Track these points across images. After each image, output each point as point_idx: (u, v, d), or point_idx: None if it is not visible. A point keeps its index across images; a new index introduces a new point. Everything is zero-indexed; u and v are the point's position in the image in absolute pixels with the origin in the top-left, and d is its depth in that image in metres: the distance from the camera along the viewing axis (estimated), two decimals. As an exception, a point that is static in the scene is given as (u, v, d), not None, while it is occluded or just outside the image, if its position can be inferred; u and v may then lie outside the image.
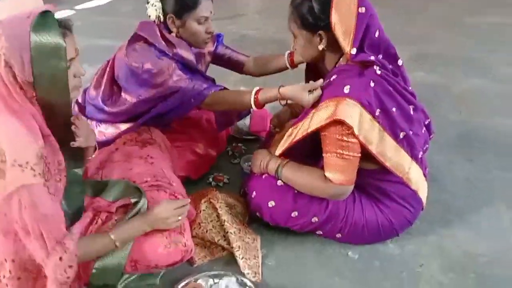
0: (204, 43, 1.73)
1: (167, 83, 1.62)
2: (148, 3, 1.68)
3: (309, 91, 1.40)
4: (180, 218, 1.31)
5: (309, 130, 1.36)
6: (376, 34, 1.35)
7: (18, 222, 1.02)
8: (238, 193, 1.77)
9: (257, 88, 1.58)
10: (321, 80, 1.41)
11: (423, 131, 1.55)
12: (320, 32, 1.36)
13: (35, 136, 1.03)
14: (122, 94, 1.71)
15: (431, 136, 1.66)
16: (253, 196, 1.54)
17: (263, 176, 1.54)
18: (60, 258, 1.05)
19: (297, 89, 1.45)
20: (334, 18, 1.31)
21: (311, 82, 1.42)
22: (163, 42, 1.64)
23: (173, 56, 1.64)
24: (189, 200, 1.38)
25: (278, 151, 1.53)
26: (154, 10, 1.66)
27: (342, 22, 1.31)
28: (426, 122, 1.61)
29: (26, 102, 1.04)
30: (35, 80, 1.02)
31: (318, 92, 1.39)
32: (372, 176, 1.47)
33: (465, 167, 2.03)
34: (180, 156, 1.82)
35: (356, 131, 1.28)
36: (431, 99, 2.63)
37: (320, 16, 1.33)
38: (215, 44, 1.95)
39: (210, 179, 1.93)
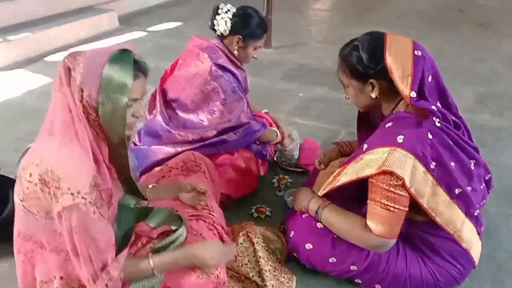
0: (246, 63, 2.01)
1: (235, 114, 1.88)
2: (218, 14, 1.83)
3: None
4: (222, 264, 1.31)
5: (356, 177, 1.31)
6: (430, 79, 1.29)
7: (68, 243, 1.08)
8: (278, 227, 1.75)
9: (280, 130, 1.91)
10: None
11: (482, 187, 1.45)
12: (371, 80, 1.33)
13: (89, 164, 1.08)
14: (184, 115, 1.91)
15: (489, 191, 1.54)
16: (291, 235, 1.51)
17: (303, 216, 1.51)
18: (106, 286, 1.09)
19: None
20: (390, 61, 1.27)
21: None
22: (234, 67, 1.91)
23: (242, 78, 1.95)
24: (236, 247, 1.40)
25: (321, 191, 1.49)
26: (223, 23, 1.83)
27: (399, 65, 1.27)
28: (486, 178, 1.50)
29: (86, 126, 1.10)
30: (99, 107, 1.09)
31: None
32: (421, 229, 1.39)
33: (524, 222, 1.87)
34: (220, 174, 1.85)
35: (407, 183, 1.22)
36: (494, 144, 2.47)
37: (369, 65, 1.31)
38: None
39: (253, 210, 1.93)
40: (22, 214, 1.13)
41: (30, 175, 1.07)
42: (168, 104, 1.96)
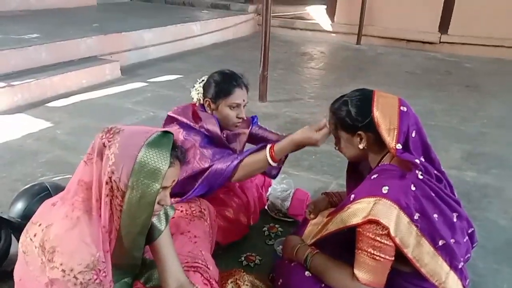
0: (234, 126, 1.89)
1: (191, 163, 1.73)
2: (193, 87, 1.91)
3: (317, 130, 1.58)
4: None
5: (343, 225, 1.36)
6: (413, 134, 1.38)
7: None
8: (267, 276, 1.76)
9: (270, 144, 1.70)
10: (324, 120, 1.58)
11: (465, 240, 1.49)
12: (359, 132, 1.42)
13: (96, 246, 1.02)
14: None
15: (473, 245, 1.58)
16: (279, 283, 1.52)
17: (292, 264, 1.53)
18: None
19: (306, 130, 1.62)
20: (377, 115, 1.37)
21: (317, 123, 1.62)
22: (191, 118, 1.83)
23: (199, 128, 1.80)
24: None
25: (311, 240, 1.52)
26: (196, 94, 1.90)
27: (386, 118, 1.36)
28: (469, 231, 1.54)
29: (107, 210, 1.05)
30: (127, 191, 1.03)
31: (325, 130, 1.58)
32: (406, 279, 1.41)
33: (512, 278, 1.88)
34: None
35: (392, 232, 1.27)
36: (480, 202, 2.52)
37: (357, 119, 1.41)
38: (251, 126, 2.10)
39: (242, 258, 1.93)
40: (23, 264, 1.10)
41: (35, 235, 1.05)
42: None
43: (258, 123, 2.15)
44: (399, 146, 1.34)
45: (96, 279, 1.01)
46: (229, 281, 1.59)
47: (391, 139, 1.34)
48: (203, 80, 1.91)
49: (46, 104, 3.92)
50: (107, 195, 1.04)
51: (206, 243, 1.64)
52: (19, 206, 1.86)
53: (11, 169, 2.71)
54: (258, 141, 2.11)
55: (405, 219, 1.29)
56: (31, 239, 1.05)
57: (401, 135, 1.35)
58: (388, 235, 1.27)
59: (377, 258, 1.29)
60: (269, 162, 1.68)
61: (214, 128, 1.82)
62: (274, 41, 4.19)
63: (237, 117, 1.84)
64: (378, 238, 1.28)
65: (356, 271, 1.33)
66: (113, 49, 5.18)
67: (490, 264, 1.97)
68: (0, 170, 2.69)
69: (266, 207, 2.30)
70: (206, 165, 1.73)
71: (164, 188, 1.10)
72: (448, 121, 3.94)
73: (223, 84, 1.82)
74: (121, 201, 1.04)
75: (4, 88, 3.74)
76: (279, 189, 2.30)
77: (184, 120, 1.82)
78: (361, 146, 1.43)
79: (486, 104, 4.53)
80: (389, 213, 1.27)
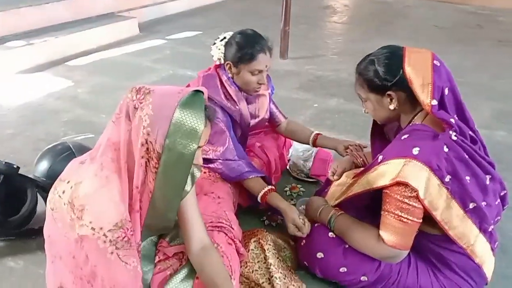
0: (253, 91, 1.83)
1: (216, 148, 1.74)
2: (214, 44, 1.81)
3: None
4: None
5: (370, 187, 1.32)
6: (446, 92, 1.29)
7: (82, 270, 1.05)
8: (289, 236, 1.75)
9: (270, 187, 1.69)
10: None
11: (496, 203, 1.43)
12: (389, 92, 1.34)
13: (124, 205, 1.03)
14: None
15: (504, 207, 1.52)
16: (302, 244, 1.51)
17: (315, 225, 1.52)
18: None
19: (293, 213, 1.56)
20: (409, 71, 1.28)
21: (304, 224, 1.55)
22: (222, 96, 1.78)
23: (234, 111, 1.80)
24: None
25: (335, 201, 1.49)
26: (217, 53, 1.80)
27: (419, 74, 1.27)
28: (502, 193, 1.48)
29: (141, 171, 1.04)
30: (164, 152, 1.02)
31: (307, 226, 1.53)
32: (433, 242, 1.38)
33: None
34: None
35: (421, 195, 1.22)
36: (510, 161, 2.43)
37: (386, 78, 1.32)
38: (269, 89, 2.04)
39: (264, 218, 1.93)
40: (51, 221, 1.11)
41: (63, 192, 1.05)
42: None
43: (272, 97, 2.10)
44: (434, 102, 1.25)
45: (124, 237, 1.03)
46: (252, 241, 1.59)
47: (425, 96, 1.26)
48: (224, 38, 1.81)
49: (66, 63, 3.91)
50: (142, 157, 1.03)
51: (230, 203, 1.64)
52: (43, 165, 1.88)
53: (34, 128, 2.73)
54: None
55: (435, 181, 1.23)
56: (59, 196, 1.05)
57: (435, 91, 1.26)
58: (417, 197, 1.23)
59: (404, 220, 1.25)
60: (257, 199, 1.72)
61: (246, 111, 1.85)
62: (295, -6, 4.00)
63: (258, 82, 1.78)
64: (406, 200, 1.24)
65: (382, 233, 1.30)
66: (130, 5, 5.08)
67: (518, 226, 1.91)
68: (23, 129, 2.72)
69: (287, 167, 2.27)
70: (230, 157, 1.75)
71: (198, 147, 1.08)
72: (477, 77, 3.76)
73: (246, 48, 1.71)
74: (156, 162, 1.03)
75: (24, 46, 3.73)
76: (301, 148, 2.26)
77: (218, 99, 1.77)
78: (391, 107, 1.36)
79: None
80: (419, 175, 1.22)
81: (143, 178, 1.05)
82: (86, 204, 1.01)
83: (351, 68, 1.43)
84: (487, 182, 1.35)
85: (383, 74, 1.32)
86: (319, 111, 3.08)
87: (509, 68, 4.06)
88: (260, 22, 5.38)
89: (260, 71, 1.75)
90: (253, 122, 1.96)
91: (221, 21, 5.45)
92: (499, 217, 1.49)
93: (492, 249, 1.43)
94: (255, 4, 6.57)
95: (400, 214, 1.26)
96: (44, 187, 1.79)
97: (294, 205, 1.93)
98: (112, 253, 1.02)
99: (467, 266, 1.38)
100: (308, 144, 2.03)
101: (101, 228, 1.00)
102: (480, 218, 1.34)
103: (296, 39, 4.26)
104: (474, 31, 5.32)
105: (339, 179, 1.70)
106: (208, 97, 1.74)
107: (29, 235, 1.76)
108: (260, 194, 1.70)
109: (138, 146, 1.02)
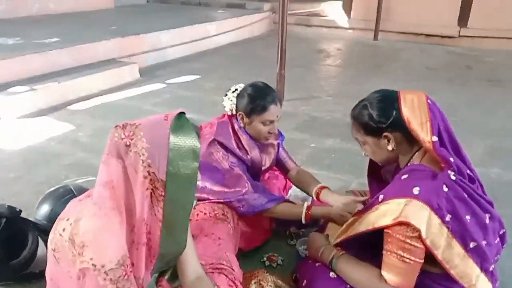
0: (264, 140, 1.92)
1: (235, 192, 1.80)
2: (226, 95, 1.89)
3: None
4: None
5: (371, 227, 1.34)
6: (441, 131, 1.34)
7: None
8: (290, 276, 1.75)
9: (308, 202, 1.75)
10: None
11: (496, 242, 1.45)
12: (385, 133, 1.39)
13: (124, 241, 1.04)
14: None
15: (503, 246, 1.54)
16: (303, 284, 1.50)
17: (316, 264, 1.52)
18: None
19: (341, 210, 1.69)
20: (406, 112, 1.33)
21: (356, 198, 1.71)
22: (234, 145, 1.85)
23: (245, 160, 1.87)
24: None
25: (335, 240, 1.50)
26: (229, 104, 1.88)
27: (416, 113, 1.32)
28: (501, 232, 1.50)
29: (146, 203, 1.05)
30: (168, 178, 1.05)
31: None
32: (436, 281, 1.38)
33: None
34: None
35: (423, 234, 1.23)
36: (506, 199, 2.45)
37: (381, 120, 1.38)
38: (279, 139, 2.11)
39: (264, 258, 1.93)
40: (53, 262, 1.11)
41: (64, 229, 1.06)
42: None
43: (283, 144, 2.16)
44: (435, 139, 1.29)
45: (125, 275, 1.03)
46: (252, 282, 1.59)
47: (425, 133, 1.30)
48: (236, 90, 1.89)
49: (68, 107, 3.98)
50: (147, 189, 1.05)
51: (230, 244, 1.64)
52: (45, 209, 1.89)
53: (36, 171, 2.76)
54: (278, 164, 2.16)
55: (436, 220, 1.25)
56: (60, 234, 1.06)
57: (434, 127, 1.30)
58: (419, 237, 1.24)
59: (407, 260, 1.26)
60: (301, 219, 1.80)
61: (258, 158, 1.92)
62: (289, 38, 4.15)
63: (269, 132, 1.86)
64: (408, 240, 1.25)
65: (384, 273, 1.31)
66: (131, 51, 5.24)
67: (518, 263, 1.91)
68: (24, 172, 2.75)
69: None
70: (248, 196, 1.81)
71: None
72: (470, 116, 3.86)
73: (258, 100, 1.80)
74: (162, 191, 1.06)
75: (27, 92, 3.82)
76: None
77: (231, 147, 1.85)
78: (389, 148, 1.40)
79: (508, 98, 4.41)
80: (420, 215, 1.24)
81: (149, 209, 1.07)
82: (86, 241, 1.02)
83: (346, 109, 1.49)
84: (487, 221, 1.37)
85: (377, 117, 1.38)
86: (316, 151, 3.13)
87: (500, 105, 4.18)
88: (256, 66, 5.55)
89: (272, 121, 1.84)
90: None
91: (219, 65, 5.61)
92: (498, 256, 1.50)
93: (494, 288, 1.43)
94: (250, 48, 6.79)
95: (402, 254, 1.27)
96: (45, 230, 1.79)
97: (294, 245, 1.95)
98: None
99: (469, 305, 1.37)
100: (312, 197, 2.04)
101: (102, 266, 1.00)
102: (481, 258, 1.34)
103: (291, 81, 4.39)
104: (464, 72, 5.50)
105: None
106: (222, 144, 1.83)
107: (30, 279, 1.74)
108: (303, 215, 1.79)
109: (140, 179, 1.04)
